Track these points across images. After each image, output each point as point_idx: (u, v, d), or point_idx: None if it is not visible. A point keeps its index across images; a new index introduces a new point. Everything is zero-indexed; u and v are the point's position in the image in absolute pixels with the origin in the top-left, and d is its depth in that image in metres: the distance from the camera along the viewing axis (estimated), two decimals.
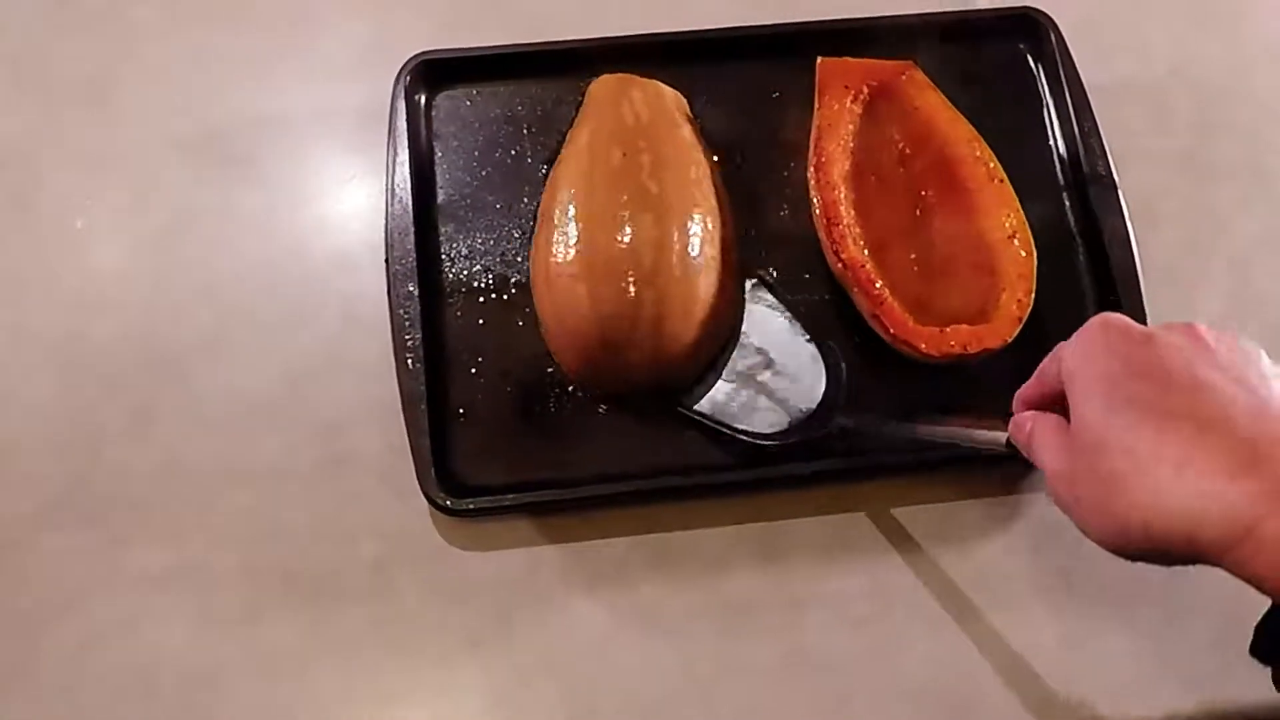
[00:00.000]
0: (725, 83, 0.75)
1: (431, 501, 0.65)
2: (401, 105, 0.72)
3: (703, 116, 0.74)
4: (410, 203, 0.70)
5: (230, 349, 0.71)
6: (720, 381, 0.68)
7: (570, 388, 0.68)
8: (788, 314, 0.69)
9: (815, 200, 0.66)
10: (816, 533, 0.68)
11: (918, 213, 0.69)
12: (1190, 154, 0.77)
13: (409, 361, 0.67)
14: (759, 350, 0.69)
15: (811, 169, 0.68)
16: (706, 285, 0.65)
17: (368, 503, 0.68)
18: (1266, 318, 0.73)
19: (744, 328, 0.69)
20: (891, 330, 0.63)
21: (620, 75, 0.71)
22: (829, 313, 0.70)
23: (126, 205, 0.74)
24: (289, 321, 0.71)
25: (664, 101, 0.70)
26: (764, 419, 0.67)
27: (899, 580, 0.66)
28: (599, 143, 0.67)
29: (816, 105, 0.69)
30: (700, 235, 0.65)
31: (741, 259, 0.70)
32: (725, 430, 0.66)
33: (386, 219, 0.70)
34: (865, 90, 0.70)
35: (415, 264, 0.68)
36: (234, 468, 0.68)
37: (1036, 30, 0.76)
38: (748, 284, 0.70)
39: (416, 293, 0.68)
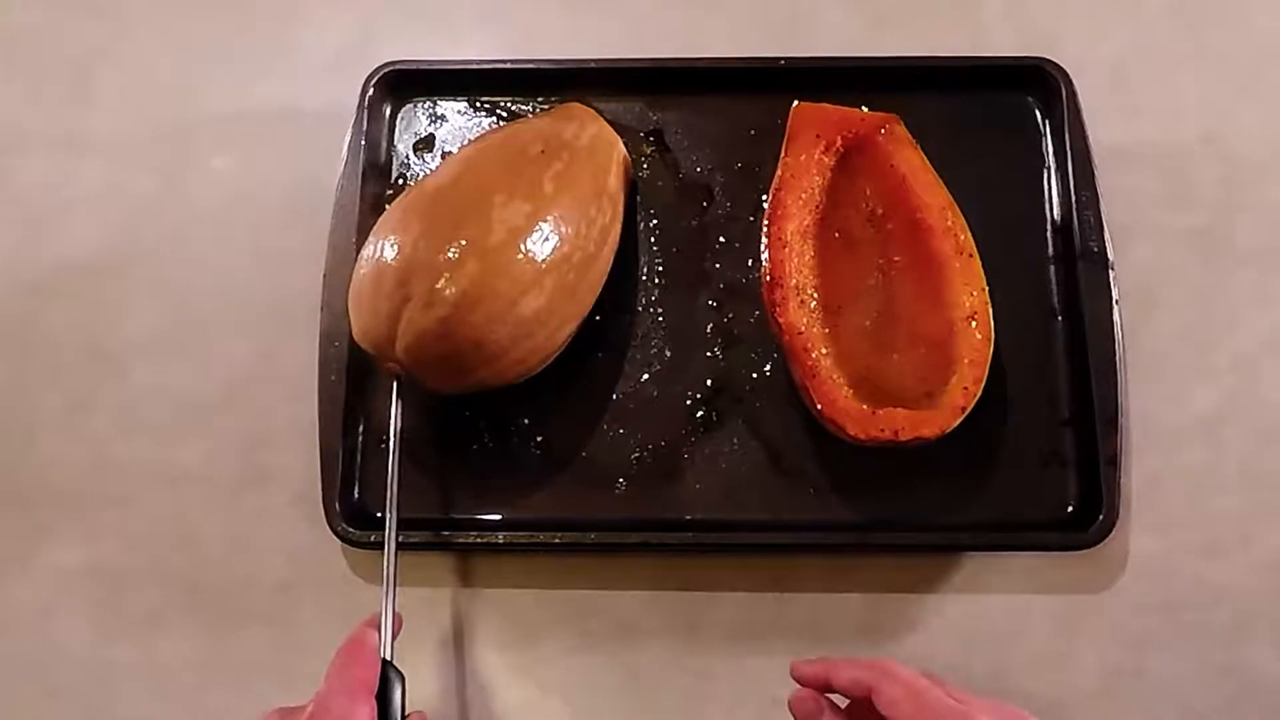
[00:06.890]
0: (703, 116, 0.71)
1: (332, 529, 0.63)
2: (364, 115, 0.70)
3: (674, 149, 0.70)
4: (355, 214, 0.68)
5: (171, 348, 0.70)
6: None
7: (510, 427, 0.66)
8: None
9: (763, 256, 0.62)
10: (739, 607, 0.64)
11: (881, 277, 0.64)
12: (1208, 232, 0.69)
13: (331, 377, 0.65)
14: None
15: (765, 221, 0.63)
16: (535, 300, 0.59)
17: (283, 521, 0.66)
18: (1262, 424, 0.66)
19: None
20: (819, 405, 0.59)
21: (591, 111, 0.68)
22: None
23: (95, 193, 0.74)
24: (232, 325, 0.70)
25: (612, 150, 0.67)
26: None
27: None
28: (526, 132, 0.65)
29: (783, 153, 0.64)
30: (561, 253, 0.60)
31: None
32: None
33: (331, 228, 0.68)
34: (839, 141, 0.64)
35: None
36: (159, 471, 0.68)
37: (1047, 84, 0.69)
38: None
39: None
